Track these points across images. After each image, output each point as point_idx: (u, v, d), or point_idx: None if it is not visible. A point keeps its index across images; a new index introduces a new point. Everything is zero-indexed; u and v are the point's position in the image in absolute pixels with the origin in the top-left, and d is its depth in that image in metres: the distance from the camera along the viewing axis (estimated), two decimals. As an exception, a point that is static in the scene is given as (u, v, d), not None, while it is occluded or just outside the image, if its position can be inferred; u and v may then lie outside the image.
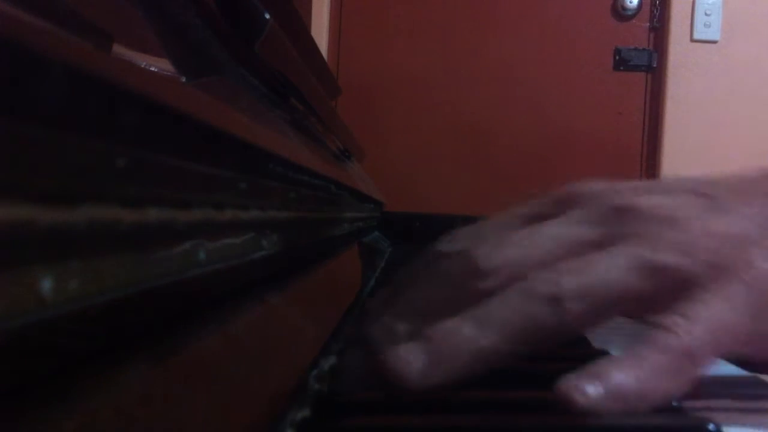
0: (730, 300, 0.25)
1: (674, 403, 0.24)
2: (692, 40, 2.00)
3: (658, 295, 0.25)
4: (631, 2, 2.02)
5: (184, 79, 0.28)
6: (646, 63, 2.04)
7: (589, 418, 0.23)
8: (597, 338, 0.34)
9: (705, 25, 1.99)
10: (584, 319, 0.25)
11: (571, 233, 0.26)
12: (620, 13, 2.03)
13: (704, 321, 0.24)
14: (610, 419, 0.23)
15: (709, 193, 0.27)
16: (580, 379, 0.23)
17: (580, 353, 0.33)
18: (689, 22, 2.00)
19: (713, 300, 0.24)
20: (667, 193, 0.27)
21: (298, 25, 0.54)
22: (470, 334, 0.24)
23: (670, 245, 0.25)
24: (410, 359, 0.23)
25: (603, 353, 0.31)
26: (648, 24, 2.05)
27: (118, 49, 0.23)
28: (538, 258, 0.25)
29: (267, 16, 0.36)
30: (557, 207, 0.28)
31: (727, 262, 0.25)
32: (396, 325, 0.26)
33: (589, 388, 0.22)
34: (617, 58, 2.04)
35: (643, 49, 2.05)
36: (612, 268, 0.24)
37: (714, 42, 2.00)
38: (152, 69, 0.25)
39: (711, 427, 0.22)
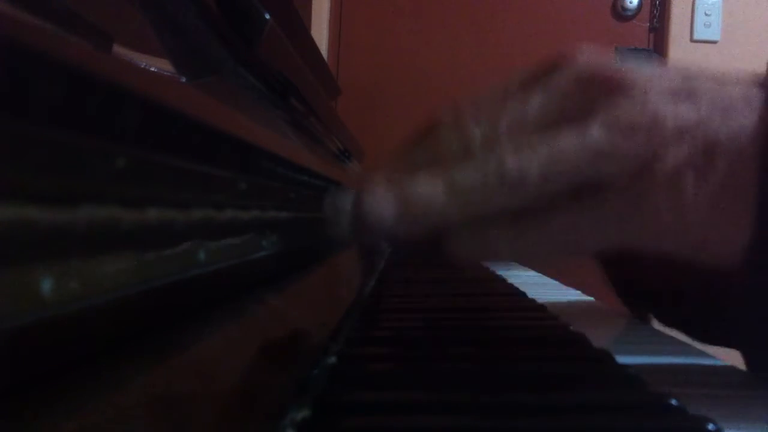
0: (632, 202, 0.25)
1: (674, 403, 0.24)
2: (692, 41, 2.00)
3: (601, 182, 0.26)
4: (631, 2, 2.02)
5: (184, 79, 0.28)
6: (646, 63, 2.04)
7: (589, 419, 0.23)
8: (596, 339, 0.34)
9: (705, 25, 1.99)
10: (536, 197, 0.26)
11: (552, 102, 0.27)
12: (620, 14, 2.03)
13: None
14: (610, 419, 0.23)
15: (688, 74, 0.28)
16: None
17: (580, 353, 0.33)
18: (689, 22, 2.00)
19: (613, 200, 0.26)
20: (652, 69, 0.28)
21: (298, 25, 0.54)
22: (438, 201, 0.26)
23: (622, 131, 0.25)
24: (383, 206, 0.26)
25: (603, 353, 0.31)
26: (648, 24, 2.05)
27: (118, 49, 0.23)
28: (531, 124, 0.27)
29: (267, 16, 0.36)
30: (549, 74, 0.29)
31: (656, 154, 0.25)
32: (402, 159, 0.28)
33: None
34: (617, 58, 2.04)
35: (643, 49, 2.05)
36: (566, 150, 0.26)
37: (714, 42, 2.00)
38: (152, 69, 0.25)
39: (711, 427, 0.22)
